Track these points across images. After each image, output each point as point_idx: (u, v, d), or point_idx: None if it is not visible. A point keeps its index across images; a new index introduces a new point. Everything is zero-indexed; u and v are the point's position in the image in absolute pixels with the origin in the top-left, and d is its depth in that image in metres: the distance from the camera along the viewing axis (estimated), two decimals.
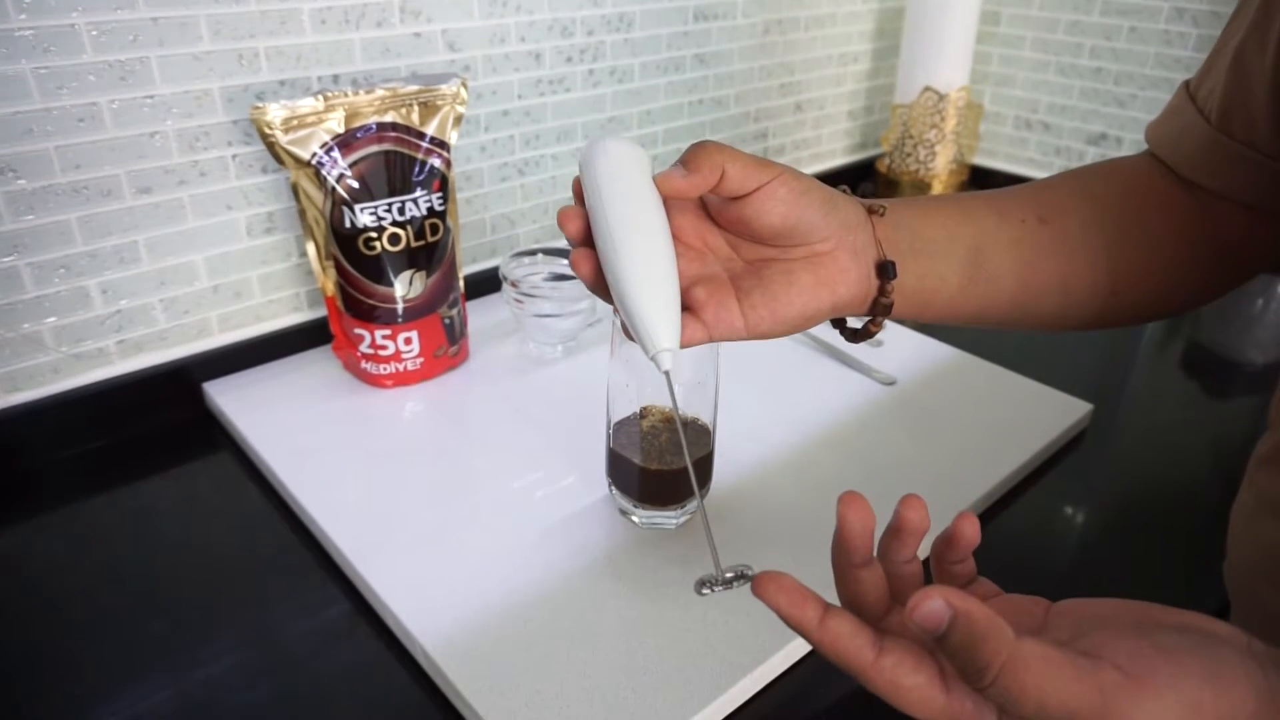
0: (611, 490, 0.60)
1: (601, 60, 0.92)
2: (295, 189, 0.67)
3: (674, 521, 0.59)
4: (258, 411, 0.70)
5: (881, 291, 0.41)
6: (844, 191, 0.41)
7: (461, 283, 0.76)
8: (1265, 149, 0.43)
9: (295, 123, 0.65)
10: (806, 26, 1.12)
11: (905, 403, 0.74)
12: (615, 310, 0.39)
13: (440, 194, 0.71)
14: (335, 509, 0.60)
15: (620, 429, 0.58)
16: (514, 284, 0.75)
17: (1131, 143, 1.16)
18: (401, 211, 0.69)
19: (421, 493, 0.62)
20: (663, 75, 0.98)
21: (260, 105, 0.64)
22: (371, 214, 0.68)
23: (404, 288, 0.71)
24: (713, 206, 0.40)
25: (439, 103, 0.70)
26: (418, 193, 0.69)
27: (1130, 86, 1.14)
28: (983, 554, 0.33)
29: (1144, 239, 0.47)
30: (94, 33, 0.62)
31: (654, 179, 0.38)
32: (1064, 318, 0.47)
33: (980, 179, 1.27)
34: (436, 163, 0.70)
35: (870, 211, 0.42)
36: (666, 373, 0.38)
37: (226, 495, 0.65)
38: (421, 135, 0.69)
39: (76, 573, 0.57)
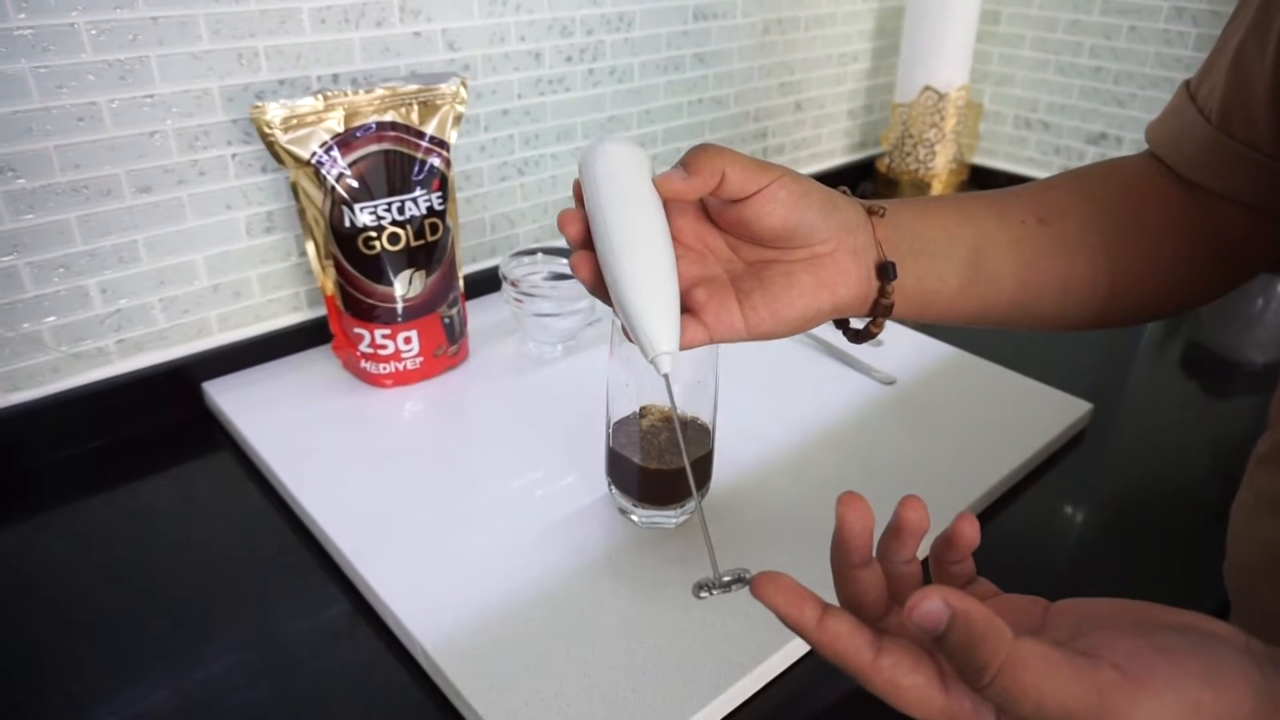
0: (611, 490, 0.60)
1: (601, 60, 0.92)
2: (295, 188, 0.67)
3: (673, 521, 0.59)
4: (257, 411, 0.70)
5: (882, 292, 0.41)
6: (844, 192, 0.41)
7: (461, 282, 0.76)
8: (1265, 149, 0.43)
9: (295, 122, 0.65)
10: (806, 26, 1.12)
11: (905, 402, 0.74)
12: (615, 312, 0.39)
13: (440, 193, 0.71)
14: (335, 508, 0.60)
15: (620, 428, 0.58)
16: (513, 283, 0.75)
17: (1131, 142, 1.16)
18: (401, 211, 0.69)
19: (421, 492, 0.62)
20: (662, 75, 0.98)
21: (260, 104, 0.64)
22: (371, 213, 0.68)
23: (403, 287, 0.71)
24: (713, 208, 0.40)
25: (438, 102, 0.70)
26: (417, 192, 0.69)
27: (1130, 86, 1.14)
28: (982, 554, 0.33)
29: (1143, 239, 0.47)
30: (93, 32, 0.62)
31: (653, 180, 0.38)
32: (1064, 318, 0.47)
33: (980, 178, 1.27)
34: (436, 162, 0.70)
35: (870, 212, 0.42)
36: (665, 375, 0.38)
37: (226, 495, 0.65)
38: (421, 134, 0.69)
39: (76, 572, 0.57)
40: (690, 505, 0.59)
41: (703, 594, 0.35)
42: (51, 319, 0.67)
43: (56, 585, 0.56)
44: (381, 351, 0.72)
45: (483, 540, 0.57)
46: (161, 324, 0.72)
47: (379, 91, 0.67)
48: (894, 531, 0.32)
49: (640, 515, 0.59)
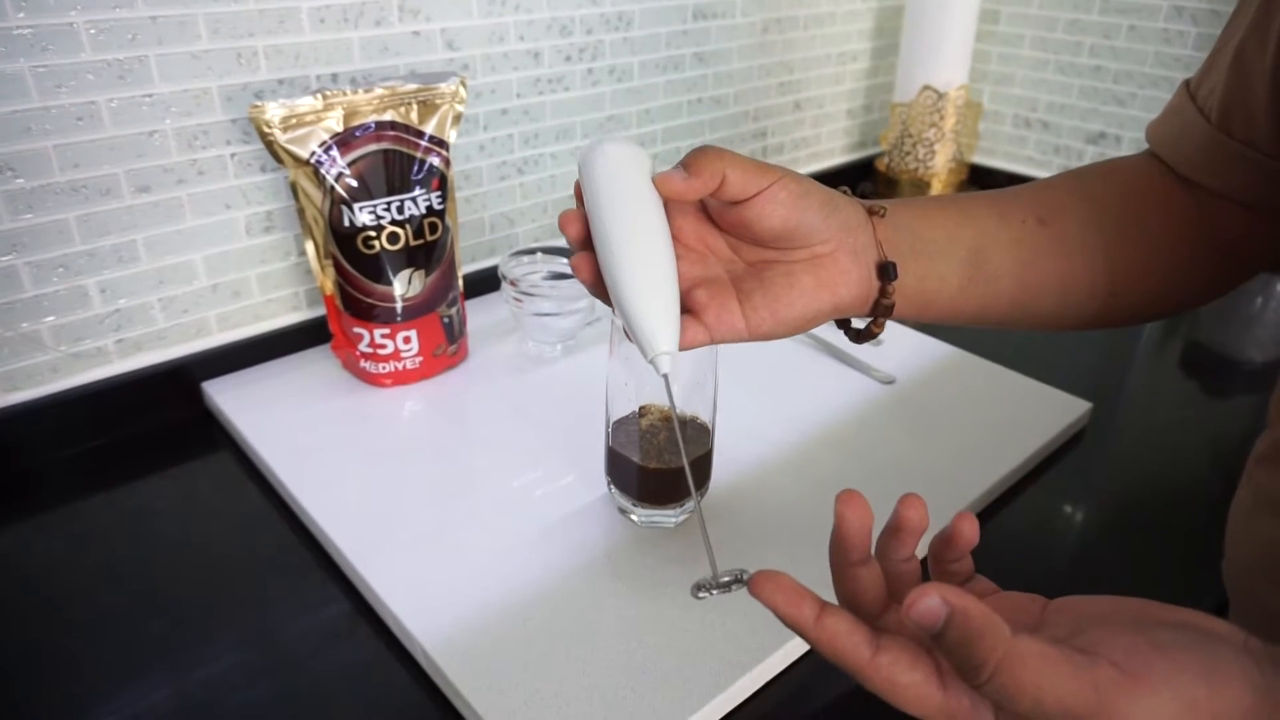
0: (610, 489, 0.60)
1: (600, 59, 0.92)
2: (294, 188, 0.67)
3: (673, 520, 0.59)
4: (257, 411, 0.70)
5: (882, 292, 0.41)
6: (844, 192, 0.42)
7: (460, 281, 0.76)
8: (1265, 148, 0.43)
9: (294, 121, 0.65)
10: (805, 25, 1.12)
11: (904, 401, 0.74)
12: (615, 312, 0.39)
13: (439, 193, 0.71)
14: (335, 508, 0.60)
15: (619, 428, 0.58)
16: (513, 283, 0.75)
17: (1131, 141, 1.16)
18: (400, 210, 0.69)
19: (421, 492, 0.62)
20: (662, 74, 0.98)
21: (259, 104, 0.64)
22: (370, 213, 0.68)
23: (403, 286, 0.71)
24: (713, 210, 0.40)
25: (438, 101, 0.70)
26: (416, 191, 0.69)
27: (1129, 85, 1.14)
28: (982, 553, 0.33)
29: (1143, 239, 0.47)
30: (92, 31, 0.62)
31: (653, 180, 0.38)
32: (1063, 317, 0.47)
33: (979, 178, 1.27)
34: (435, 161, 0.70)
35: (870, 213, 0.42)
36: (665, 375, 0.38)
37: (226, 495, 0.65)
38: (420, 134, 0.69)
39: (76, 572, 0.57)
40: (689, 505, 0.59)
41: (701, 594, 0.35)
42: (51, 319, 0.67)
43: (56, 585, 0.56)
44: (381, 351, 0.72)
45: (482, 540, 0.57)
46: (161, 324, 0.72)
47: (378, 91, 0.67)
48: (893, 530, 0.32)
49: (640, 515, 0.59)
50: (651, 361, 0.37)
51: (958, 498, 0.62)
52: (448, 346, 0.75)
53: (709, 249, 0.41)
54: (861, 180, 1.28)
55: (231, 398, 0.72)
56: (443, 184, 0.71)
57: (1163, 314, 0.50)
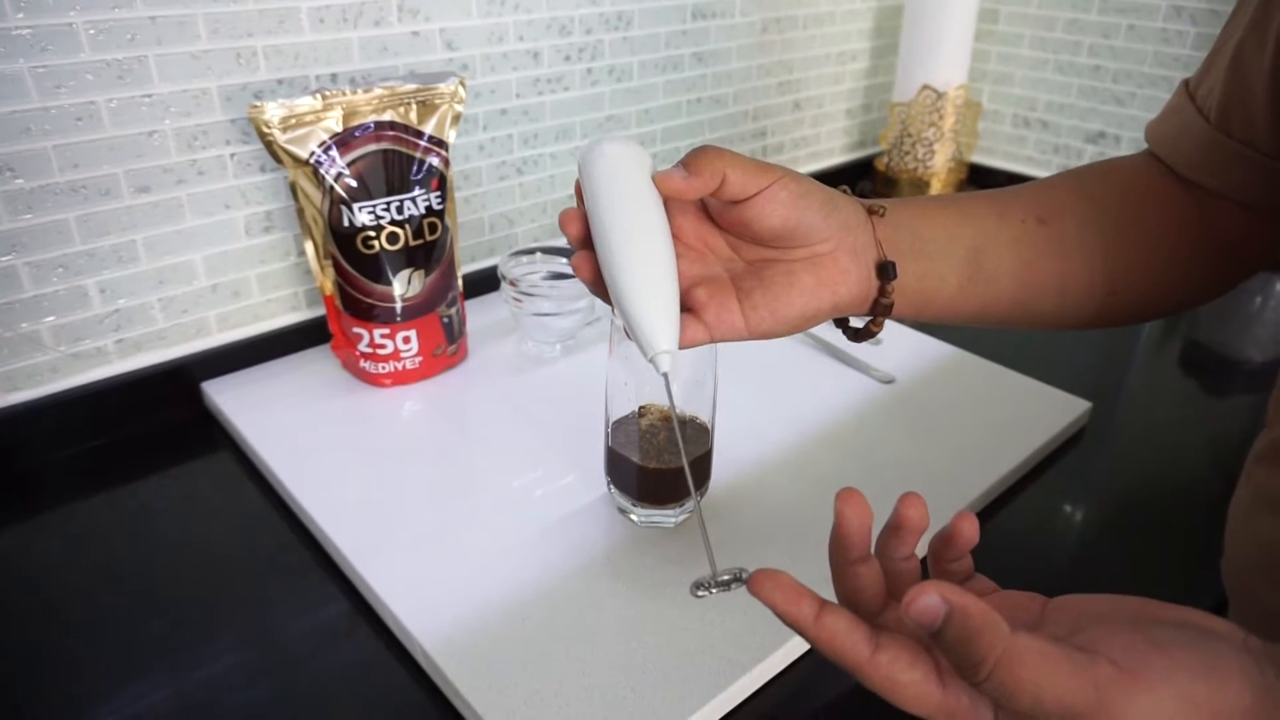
0: (610, 489, 0.60)
1: (600, 59, 0.92)
2: (293, 188, 0.67)
3: (673, 520, 0.59)
4: (256, 411, 0.70)
5: (882, 292, 0.41)
6: (844, 192, 0.42)
7: (460, 282, 0.76)
8: (1264, 148, 0.43)
9: (293, 121, 0.65)
10: (805, 25, 1.12)
11: (904, 401, 0.74)
12: (614, 311, 0.39)
13: (438, 193, 0.71)
14: (334, 508, 0.60)
15: (619, 428, 0.58)
16: (512, 283, 0.75)
17: (1130, 141, 1.16)
18: (400, 210, 0.69)
19: (420, 492, 0.62)
20: (661, 74, 0.98)
21: (258, 104, 0.64)
22: (370, 213, 0.68)
23: (402, 286, 0.71)
24: (713, 209, 0.40)
25: (437, 101, 0.70)
26: (416, 191, 0.69)
27: (1129, 85, 1.14)
28: (981, 552, 0.33)
29: (1142, 239, 0.47)
30: (92, 31, 0.62)
31: (653, 178, 0.38)
32: (1062, 316, 0.47)
33: (979, 177, 1.27)
34: (435, 161, 0.70)
35: (870, 212, 0.42)
36: (665, 374, 0.38)
37: (225, 495, 0.65)
38: (420, 134, 0.69)
39: (75, 572, 0.57)
40: (689, 504, 0.59)
41: (700, 593, 0.35)
42: (50, 319, 0.67)
43: (56, 585, 0.56)
44: (380, 351, 0.72)
45: (482, 540, 0.57)
46: (160, 324, 0.72)
47: (377, 91, 0.67)
48: (893, 529, 0.32)
49: (639, 514, 0.59)
50: (651, 360, 0.37)
51: (957, 497, 0.62)
52: (447, 346, 0.75)
53: (709, 248, 0.41)
54: (861, 180, 1.28)
55: (231, 398, 0.72)
56: (442, 184, 0.71)
57: (1162, 313, 0.51)
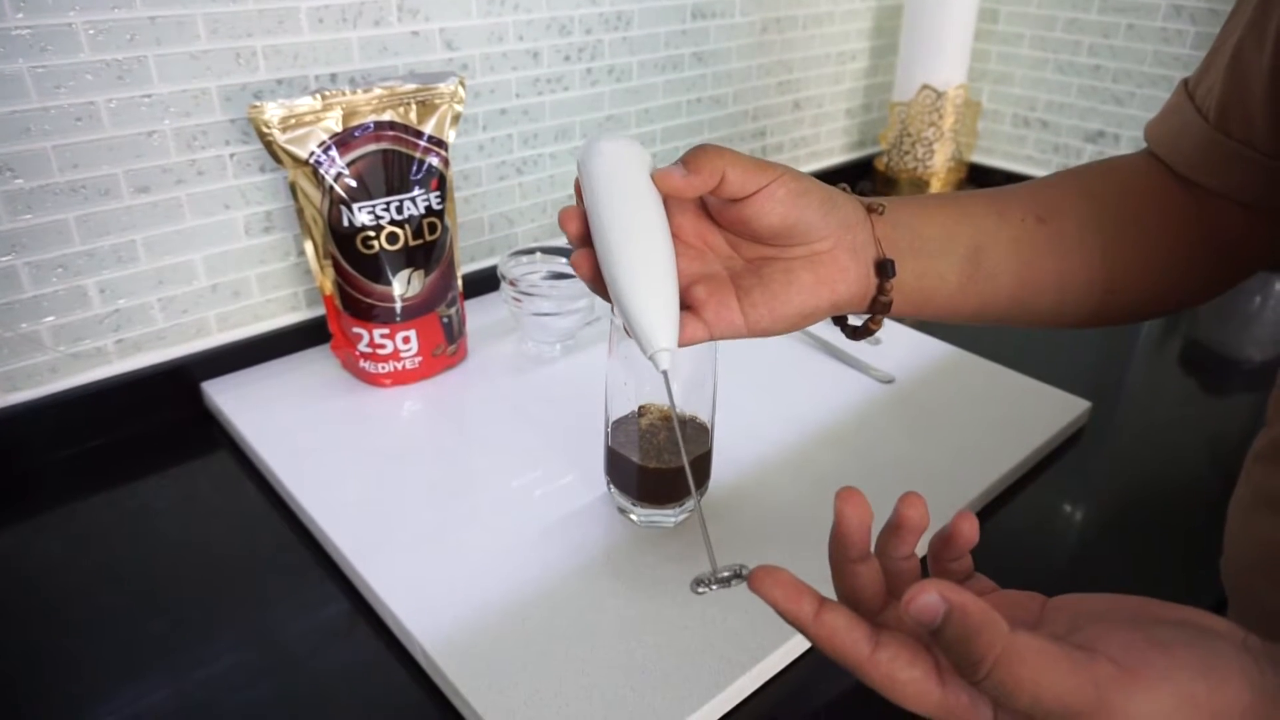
0: (610, 489, 0.60)
1: (599, 59, 0.92)
2: (293, 188, 0.67)
3: (672, 520, 0.59)
4: (256, 411, 0.70)
5: (880, 290, 0.41)
6: (843, 190, 0.42)
7: (460, 281, 0.76)
8: (1263, 147, 0.43)
9: (293, 121, 0.65)
10: (804, 25, 1.12)
11: (904, 400, 0.74)
12: (614, 310, 0.39)
13: (438, 193, 0.71)
14: (334, 508, 0.60)
15: (618, 427, 0.58)
16: (512, 283, 0.75)
17: (1129, 140, 1.16)
18: (399, 210, 0.69)
19: (420, 492, 0.62)
20: (661, 74, 0.98)
21: (258, 104, 0.64)
22: (369, 213, 0.68)
23: (402, 286, 0.71)
24: (712, 206, 0.40)
25: (437, 101, 0.70)
26: (415, 191, 0.69)
27: (1128, 84, 1.14)
28: (981, 551, 0.33)
29: (1141, 238, 0.47)
30: (91, 32, 0.62)
31: (653, 176, 0.38)
32: (1061, 315, 0.47)
33: (978, 177, 1.27)
34: (434, 161, 0.70)
35: (869, 210, 0.42)
36: (664, 372, 0.38)
37: (225, 495, 0.65)
38: (419, 134, 0.69)
39: (75, 572, 0.57)
40: (689, 504, 0.59)
41: (700, 589, 0.35)
42: (50, 319, 0.67)
43: (56, 585, 0.56)
44: (380, 351, 0.72)
45: (482, 540, 0.57)
46: (160, 324, 0.72)
47: (377, 91, 0.67)
48: (893, 528, 0.32)
49: (639, 514, 0.59)
50: (651, 358, 0.37)
51: (957, 496, 0.62)
52: (447, 346, 0.75)
53: (708, 246, 0.41)
54: (861, 179, 1.28)
55: (231, 398, 0.72)
56: (442, 184, 0.71)
57: (1161, 312, 0.51)
